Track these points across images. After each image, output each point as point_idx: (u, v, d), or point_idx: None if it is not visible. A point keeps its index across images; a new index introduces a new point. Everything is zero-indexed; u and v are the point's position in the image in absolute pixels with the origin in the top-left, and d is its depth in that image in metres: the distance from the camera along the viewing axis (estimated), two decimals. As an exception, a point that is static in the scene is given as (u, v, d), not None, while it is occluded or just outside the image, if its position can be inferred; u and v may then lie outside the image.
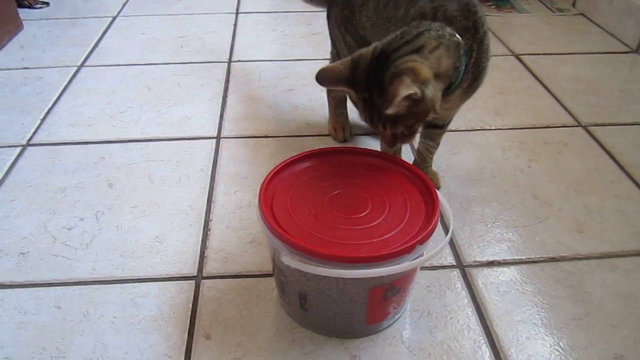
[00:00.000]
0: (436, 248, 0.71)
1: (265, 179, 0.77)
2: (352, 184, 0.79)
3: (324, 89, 1.15)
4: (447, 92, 0.82)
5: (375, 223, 0.73)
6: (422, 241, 0.69)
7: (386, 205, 0.75)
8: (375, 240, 0.70)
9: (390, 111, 0.73)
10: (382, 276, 0.68)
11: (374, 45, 0.79)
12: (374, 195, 0.77)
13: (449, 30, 0.80)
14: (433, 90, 0.76)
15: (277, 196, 0.76)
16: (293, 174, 0.80)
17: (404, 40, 0.77)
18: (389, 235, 0.71)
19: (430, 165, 1.05)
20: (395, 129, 0.79)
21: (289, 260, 0.68)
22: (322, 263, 0.67)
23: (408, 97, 0.72)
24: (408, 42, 0.77)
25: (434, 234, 0.71)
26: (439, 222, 0.74)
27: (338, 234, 0.70)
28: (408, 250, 0.68)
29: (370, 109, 0.78)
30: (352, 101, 0.85)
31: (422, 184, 0.79)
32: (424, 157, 1.03)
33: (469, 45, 0.82)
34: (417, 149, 1.02)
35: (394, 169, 0.82)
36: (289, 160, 0.82)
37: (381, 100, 0.75)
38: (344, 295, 0.71)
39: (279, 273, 0.75)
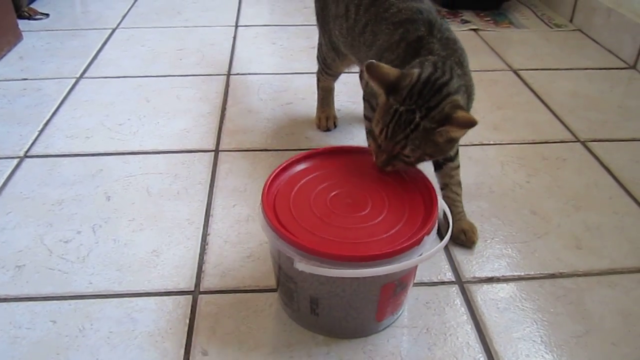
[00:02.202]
0: (440, 243, 0.73)
1: (265, 187, 0.77)
2: (350, 182, 0.81)
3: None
4: None
5: (378, 220, 0.75)
6: (429, 232, 0.72)
7: (385, 201, 0.77)
8: (384, 236, 0.72)
9: (457, 135, 0.77)
10: (394, 272, 0.70)
11: (417, 71, 0.79)
12: (373, 192, 0.79)
13: (459, 70, 0.83)
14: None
15: (278, 202, 0.77)
16: (291, 178, 0.82)
17: (446, 78, 0.79)
18: (394, 230, 0.73)
19: (463, 211, 0.97)
20: (413, 152, 0.79)
21: (304, 265, 0.68)
22: (337, 265, 0.68)
23: (469, 127, 0.75)
24: (450, 80, 0.79)
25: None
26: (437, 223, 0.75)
27: (346, 234, 0.72)
28: (417, 242, 0.70)
29: (400, 124, 0.78)
30: (369, 116, 0.85)
31: (417, 178, 0.81)
32: (452, 201, 0.96)
33: (464, 81, 0.84)
34: (444, 196, 0.97)
35: None
36: (284, 165, 0.83)
37: (429, 123, 0.76)
38: (357, 294, 0.73)
39: (287, 280, 0.75)
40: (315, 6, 1.16)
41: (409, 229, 0.73)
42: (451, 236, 0.94)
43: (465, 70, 0.86)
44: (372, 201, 0.77)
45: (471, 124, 0.75)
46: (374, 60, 0.80)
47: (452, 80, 0.80)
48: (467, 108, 0.85)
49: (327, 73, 1.20)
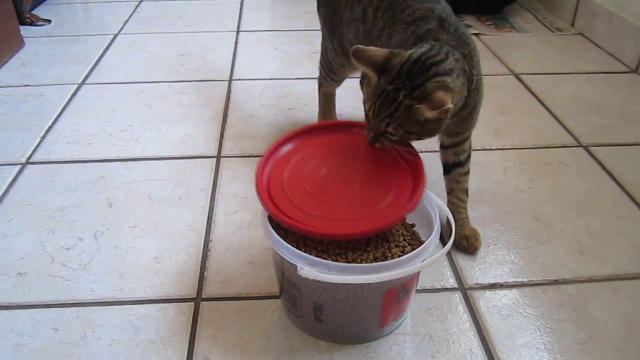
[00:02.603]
0: (443, 249, 0.73)
1: (258, 172, 0.78)
2: (339, 159, 0.82)
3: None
4: None
5: (367, 195, 0.76)
6: (412, 208, 0.74)
7: (375, 177, 0.79)
8: (371, 211, 0.74)
9: (429, 115, 0.75)
10: (398, 278, 0.70)
11: (409, 52, 0.80)
12: (362, 168, 0.80)
13: (458, 54, 0.82)
14: (448, 117, 0.79)
15: (272, 185, 0.78)
16: (280, 160, 0.82)
17: (439, 58, 0.79)
18: (381, 205, 0.75)
19: (467, 217, 0.97)
20: (397, 130, 0.79)
21: (307, 272, 0.68)
22: (341, 270, 0.68)
23: (442, 112, 0.75)
24: (442, 61, 0.79)
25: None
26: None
27: (337, 210, 0.74)
28: (400, 218, 0.75)
29: (386, 102, 0.79)
30: (366, 90, 0.85)
31: (406, 152, 0.81)
32: (456, 207, 0.97)
33: (470, 71, 0.83)
34: (449, 202, 0.98)
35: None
36: (273, 148, 0.83)
37: (410, 100, 0.77)
38: (361, 300, 0.73)
39: (291, 287, 0.75)
40: (322, 12, 1.15)
41: (395, 204, 0.74)
42: (454, 242, 0.94)
43: (473, 63, 0.85)
44: (361, 177, 0.79)
45: (441, 105, 0.74)
46: (359, 45, 0.80)
47: (445, 61, 0.79)
48: (474, 99, 0.86)
49: (331, 79, 1.20)
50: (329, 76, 1.19)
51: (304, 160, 0.82)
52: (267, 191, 0.77)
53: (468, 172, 0.97)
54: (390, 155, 0.81)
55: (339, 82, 1.22)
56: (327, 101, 1.27)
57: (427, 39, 0.84)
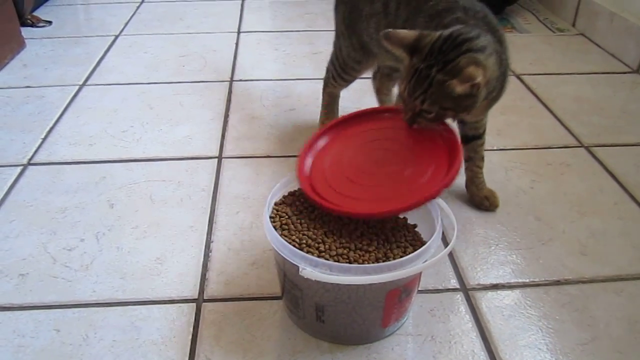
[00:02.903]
0: (444, 249, 0.73)
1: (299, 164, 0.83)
2: (376, 146, 0.86)
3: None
4: None
5: (406, 174, 0.80)
6: (448, 184, 0.75)
7: (412, 156, 0.82)
8: (408, 189, 0.77)
9: (460, 89, 0.76)
10: (400, 279, 0.70)
11: (439, 32, 0.81)
12: (399, 150, 0.84)
13: (490, 37, 0.83)
14: (484, 93, 0.81)
15: (314, 177, 0.83)
16: (319, 154, 0.86)
17: (472, 35, 0.80)
18: (421, 181, 0.78)
19: (484, 181, 1.05)
20: (431, 107, 0.80)
21: (309, 273, 0.68)
22: (344, 271, 0.69)
23: (472, 86, 0.76)
24: (475, 38, 0.80)
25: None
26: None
27: (375, 191, 0.78)
28: (435, 195, 0.75)
29: (420, 80, 0.80)
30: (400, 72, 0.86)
31: (446, 133, 0.83)
32: (475, 173, 1.04)
33: (500, 55, 0.84)
34: (466, 169, 1.04)
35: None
36: (310, 142, 0.87)
37: (442, 76, 0.78)
38: (363, 301, 0.72)
39: (293, 288, 0.75)
40: (340, 10, 1.14)
41: (434, 179, 0.77)
42: (475, 203, 1.06)
43: (503, 48, 0.86)
44: (399, 158, 0.83)
45: (471, 79, 0.75)
46: (389, 29, 0.82)
47: (478, 39, 0.79)
48: (501, 78, 0.86)
49: (342, 79, 1.19)
50: (340, 76, 1.19)
51: (342, 150, 0.86)
52: (309, 184, 0.81)
53: (484, 142, 1.03)
54: (427, 135, 0.83)
55: (349, 82, 1.22)
56: (331, 102, 1.27)
57: (454, 25, 0.84)
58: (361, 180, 0.80)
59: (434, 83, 0.78)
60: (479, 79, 0.75)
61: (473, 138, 1.01)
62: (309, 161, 0.85)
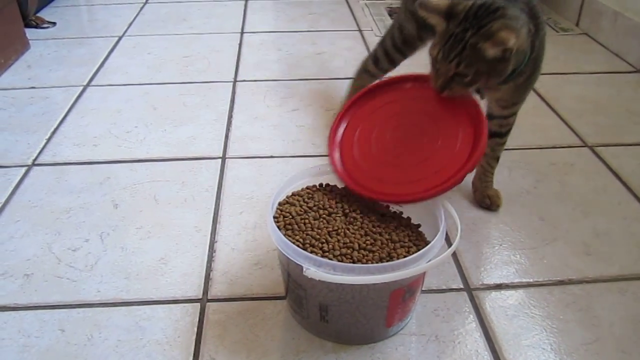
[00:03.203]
0: (448, 249, 0.73)
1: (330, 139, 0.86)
2: (401, 120, 0.88)
3: (326, 108, 1.20)
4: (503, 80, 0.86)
5: (435, 151, 0.82)
6: (471, 168, 0.79)
7: (438, 130, 0.84)
8: (432, 174, 0.80)
9: (492, 52, 0.78)
10: (404, 278, 0.70)
11: (472, 1, 0.83)
12: (425, 124, 0.86)
13: (525, 16, 0.84)
14: (513, 61, 0.82)
15: (347, 167, 0.86)
16: (344, 141, 0.88)
17: (505, 4, 0.82)
18: (442, 167, 0.80)
19: (492, 181, 1.06)
20: (467, 69, 0.81)
21: (313, 272, 0.68)
22: (347, 271, 0.69)
23: (505, 50, 0.77)
24: (508, 7, 0.81)
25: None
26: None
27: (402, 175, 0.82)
28: (459, 179, 0.78)
29: (455, 44, 0.81)
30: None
31: (473, 110, 0.85)
32: (485, 170, 1.04)
33: (532, 40, 0.85)
34: (479, 165, 1.04)
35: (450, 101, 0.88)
36: (334, 129, 0.88)
37: (476, 39, 0.79)
38: (366, 301, 0.73)
39: (297, 288, 0.75)
40: None
41: (456, 163, 0.80)
42: (477, 199, 1.06)
43: (538, 34, 0.87)
44: (426, 133, 0.85)
45: (503, 43, 0.77)
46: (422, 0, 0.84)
47: (511, 9, 0.82)
48: (532, 67, 0.89)
49: (388, 59, 1.19)
50: (387, 55, 1.19)
51: (367, 131, 0.88)
52: (347, 174, 0.85)
53: (505, 142, 1.03)
54: (452, 107, 0.85)
55: (390, 68, 1.21)
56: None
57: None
58: (393, 161, 0.84)
59: (468, 46, 0.80)
60: (512, 42, 0.77)
61: (494, 135, 1.01)
62: (337, 152, 0.87)
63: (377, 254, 0.74)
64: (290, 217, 0.79)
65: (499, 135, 1.01)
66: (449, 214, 0.80)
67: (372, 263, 0.73)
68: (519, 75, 0.87)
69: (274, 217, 0.79)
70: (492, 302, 0.85)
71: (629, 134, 1.28)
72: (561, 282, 0.89)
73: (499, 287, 0.88)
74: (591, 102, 1.42)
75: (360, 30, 1.89)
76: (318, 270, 0.69)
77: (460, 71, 0.81)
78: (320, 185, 0.87)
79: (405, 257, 0.72)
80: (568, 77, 1.56)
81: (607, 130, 1.30)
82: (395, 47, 1.17)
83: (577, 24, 1.91)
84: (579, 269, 0.91)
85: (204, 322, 0.82)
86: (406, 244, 0.77)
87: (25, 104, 1.42)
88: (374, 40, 1.76)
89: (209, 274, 0.90)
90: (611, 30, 1.73)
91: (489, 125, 0.98)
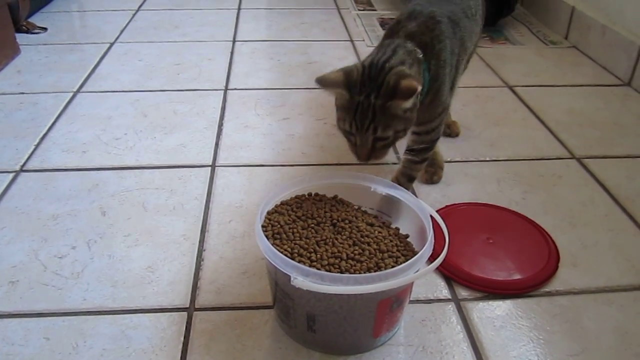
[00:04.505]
0: (436, 260, 0.73)
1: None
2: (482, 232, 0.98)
3: (317, 117, 1.24)
4: None
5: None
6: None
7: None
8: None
9: (407, 104, 0.80)
10: (392, 288, 0.70)
11: (359, 62, 0.86)
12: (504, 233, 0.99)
13: (410, 45, 0.88)
14: (417, 100, 0.85)
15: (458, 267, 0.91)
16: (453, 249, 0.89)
17: (387, 56, 0.85)
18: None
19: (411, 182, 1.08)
20: (385, 132, 0.82)
21: (301, 282, 0.68)
22: (335, 280, 0.69)
23: (413, 95, 0.79)
24: (392, 56, 0.85)
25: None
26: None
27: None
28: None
29: (364, 112, 0.82)
30: (339, 118, 0.88)
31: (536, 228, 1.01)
32: (402, 173, 1.06)
33: (428, 60, 0.89)
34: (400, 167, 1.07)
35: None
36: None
37: (382, 100, 0.81)
38: (354, 311, 0.72)
39: (285, 297, 0.75)
40: None
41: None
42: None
43: (433, 52, 0.90)
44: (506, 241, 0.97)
45: (411, 91, 0.78)
46: (319, 75, 0.85)
47: (394, 55, 0.85)
48: (435, 87, 0.92)
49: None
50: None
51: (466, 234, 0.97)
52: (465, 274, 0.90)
53: (420, 163, 1.04)
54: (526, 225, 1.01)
55: None
56: None
57: (397, 34, 0.92)
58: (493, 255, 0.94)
59: (377, 109, 0.81)
60: (417, 86, 0.78)
61: (406, 150, 1.02)
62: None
63: (365, 264, 0.74)
64: (279, 226, 0.79)
65: (412, 151, 1.02)
66: (437, 224, 0.80)
67: (360, 273, 0.72)
68: (425, 97, 0.91)
69: (262, 226, 0.79)
70: (480, 312, 0.85)
71: (617, 146, 1.29)
72: (548, 293, 0.89)
73: (486, 297, 0.88)
74: (579, 115, 1.43)
75: (352, 41, 1.90)
76: (306, 279, 0.68)
77: (380, 136, 0.82)
78: (309, 194, 0.87)
79: (393, 267, 0.72)
80: (557, 90, 1.57)
81: (595, 142, 1.31)
82: None
83: (566, 37, 1.94)
84: (566, 280, 0.91)
85: (191, 331, 0.81)
86: (394, 254, 0.77)
87: (14, 109, 1.41)
88: (365, 51, 1.77)
89: (197, 283, 0.89)
90: (599, 44, 1.75)
91: (411, 142, 1.03)
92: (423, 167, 1.06)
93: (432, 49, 0.91)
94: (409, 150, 1.02)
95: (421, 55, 0.89)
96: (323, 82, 0.85)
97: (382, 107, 0.81)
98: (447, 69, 0.94)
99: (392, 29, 0.94)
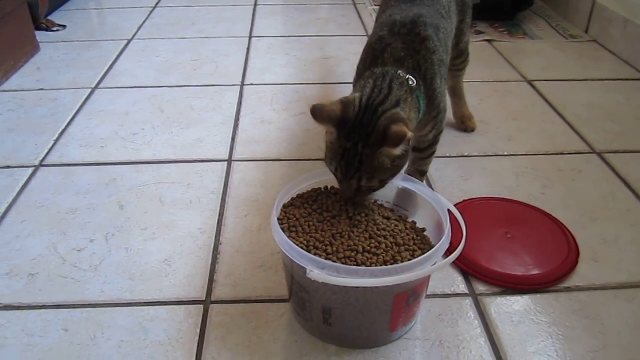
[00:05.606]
0: (453, 254, 0.72)
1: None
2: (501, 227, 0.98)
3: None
4: None
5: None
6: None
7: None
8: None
9: (397, 152, 0.75)
10: (408, 282, 0.69)
11: (358, 95, 0.80)
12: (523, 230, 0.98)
13: (402, 74, 0.83)
14: (407, 147, 0.79)
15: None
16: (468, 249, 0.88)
17: (383, 96, 0.79)
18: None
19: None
20: (370, 182, 0.78)
21: (317, 275, 0.68)
22: (351, 273, 0.68)
23: (403, 140, 0.74)
24: (387, 96, 0.80)
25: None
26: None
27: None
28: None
29: (350, 160, 0.77)
30: (328, 154, 0.82)
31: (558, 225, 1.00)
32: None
33: (420, 84, 0.85)
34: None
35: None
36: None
37: (371, 149, 0.75)
38: (370, 304, 0.72)
39: (300, 290, 0.74)
40: None
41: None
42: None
43: (428, 76, 0.87)
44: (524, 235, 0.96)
45: (401, 138, 0.73)
46: (316, 104, 0.77)
47: (390, 96, 0.80)
48: (435, 104, 0.89)
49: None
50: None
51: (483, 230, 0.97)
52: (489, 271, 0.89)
53: (427, 158, 1.02)
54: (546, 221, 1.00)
55: None
56: None
57: (383, 54, 0.87)
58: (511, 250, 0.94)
59: (364, 159, 0.76)
60: (407, 133, 0.73)
61: (414, 149, 0.99)
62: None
63: (381, 257, 0.74)
64: (295, 219, 0.79)
65: (418, 150, 1.00)
66: (454, 218, 0.79)
67: (376, 266, 0.72)
68: (423, 117, 0.88)
69: (279, 219, 0.79)
70: (498, 307, 0.84)
71: (638, 141, 1.27)
72: (568, 289, 0.88)
73: (504, 292, 0.87)
74: (600, 109, 1.41)
75: (368, 36, 1.89)
76: (322, 272, 0.68)
77: (364, 185, 0.78)
78: (325, 188, 0.87)
79: (409, 260, 0.72)
80: (576, 84, 1.55)
81: (615, 137, 1.29)
82: None
83: (586, 31, 1.91)
84: (587, 275, 0.90)
85: (207, 324, 0.81)
86: (411, 247, 0.76)
87: (34, 105, 1.43)
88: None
89: (213, 276, 0.90)
90: (621, 38, 1.72)
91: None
92: (432, 159, 1.04)
93: (424, 73, 0.86)
94: (415, 149, 1.00)
95: (414, 84, 0.84)
96: (317, 115, 0.77)
97: (369, 157, 0.76)
98: (439, 81, 0.90)
99: (375, 50, 0.89)
